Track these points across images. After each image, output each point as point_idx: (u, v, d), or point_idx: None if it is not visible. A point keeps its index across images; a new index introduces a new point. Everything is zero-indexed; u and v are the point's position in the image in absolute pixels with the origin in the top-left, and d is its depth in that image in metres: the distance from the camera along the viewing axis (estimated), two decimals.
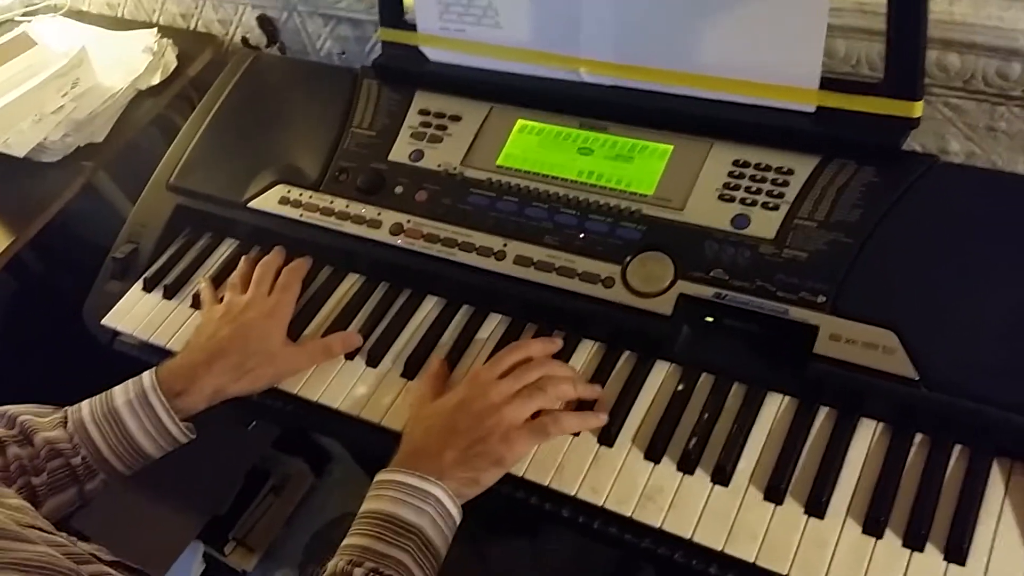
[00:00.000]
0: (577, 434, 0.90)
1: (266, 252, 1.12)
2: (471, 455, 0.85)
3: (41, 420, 0.93)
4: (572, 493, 0.86)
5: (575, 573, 1.88)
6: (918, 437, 0.83)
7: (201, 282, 1.11)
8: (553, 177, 1.03)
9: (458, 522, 0.84)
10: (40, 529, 0.70)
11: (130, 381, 0.96)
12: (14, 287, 1.61)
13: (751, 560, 0.78)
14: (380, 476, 0.85)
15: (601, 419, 0.90)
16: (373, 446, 0.96)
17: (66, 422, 0.94)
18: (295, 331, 1.04)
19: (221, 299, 1.07)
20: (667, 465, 0.86)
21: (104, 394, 0.96)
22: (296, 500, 1.78)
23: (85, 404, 0.95)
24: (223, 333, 1.00)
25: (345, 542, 0.82)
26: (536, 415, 0.90)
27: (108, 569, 0.73)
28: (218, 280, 1.12)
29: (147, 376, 0.96)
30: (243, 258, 1.12)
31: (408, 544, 0.79)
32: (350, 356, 1.02)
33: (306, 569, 1.76)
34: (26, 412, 0.94)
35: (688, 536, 0.81)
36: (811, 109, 0.94)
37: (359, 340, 1.02)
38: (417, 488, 0.82)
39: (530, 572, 1.89)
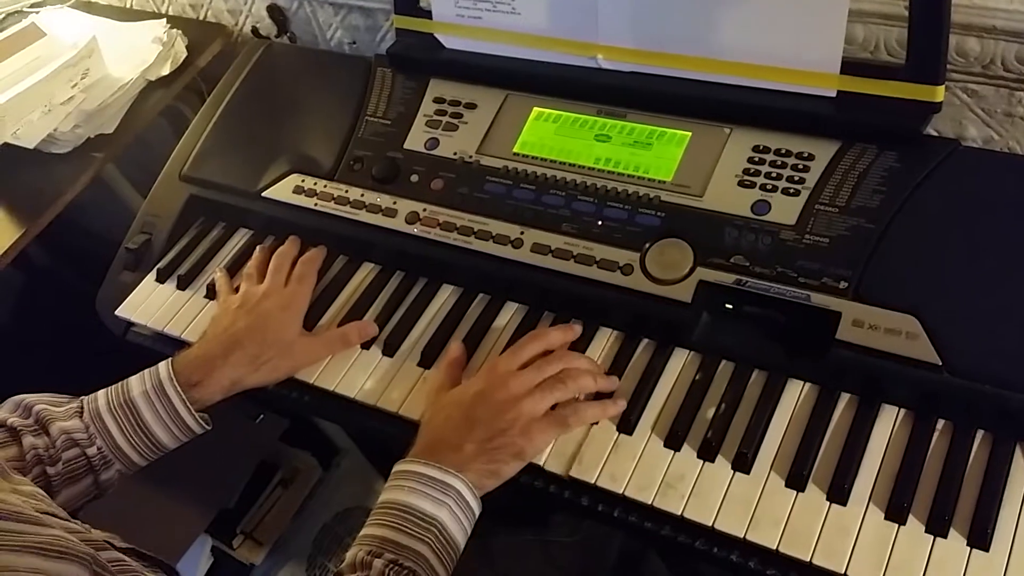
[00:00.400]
0: (596, 422, 0.89)
1: (281, 242, 1.11)
2: (491, 447, 0.84)
3: (57, 410, 0.93)
4: (592, 481, 0.85)
5: (582, 565, 1.87)
6: (940, 423, 0.83)
7: (217, 272, 1.11)
8: (570, 164, 1.02)
9: (477, 515, 0.84)
10: (55, 516, 0.70)
11: (146, 371, 0.96)
12: (25, 279, 1.61)
13: (774, 547, 0.78)
14: (399, 466, 0.85)
15: (619, 406, 0.89)
16: (388, 436, 0.95)
17: (82, 412, 0.93)
18: (311, 321, 1.04)
19: (237, 288, 1.07)
20: (687, 452, 0.85)
21: (120, 384, 0.96)
22: (304, 493, 1.78)
23: (101, 394, 0.95)
24: (240, 324, 0.99)
25: (363, 532, 0.81)
26: (555, 406, 0.89)
27: (123, 556, 0.73)
28: (233, 270, 1.12)
29: (163, 366, 0.95)
30: (258, 248, 1.12)
31: (427, 536, 0.79)
32: (366, 346, 1.01)
33: (314, 562, 1.75)
34: (42, 401, 0.94)
35: (710, 523, 0.80)
36: (832, 94, 0.93)
37: (375, 329, 1.02)
38: (436, 479, 0.82)
39: (537, 564, 1.88)
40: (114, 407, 0.93)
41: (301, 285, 1.04)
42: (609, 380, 0.92)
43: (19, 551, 0.58)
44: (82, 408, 0.94)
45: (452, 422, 0.87)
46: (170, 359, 0.97)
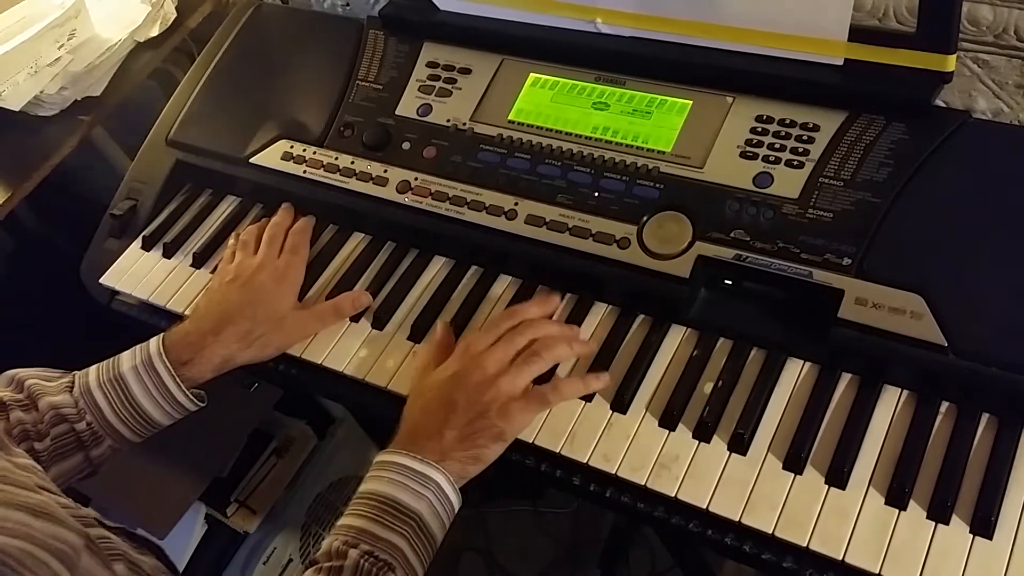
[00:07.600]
0: (590, 399, 0.87)
1: (273, 211, 1.09)
2: (470, 432, 0.83)
3: (48, 384, 0.92)
4: (584, 460, 0.84)
5: (574, 535, 1.87)
6: (944, 405, 0.81)
7: (230, 239, 1.08)
8: (567, 133, 1.00)
9: (457, 508, 0.82)
10: (48, 490, 0.69)
11: (137, 347, 0.94)
12: (10, 244, 1.60)
13: (769, 531, 0.77)
14: (381, 457, 0.83)
15: (602, 380, 0.87)
16: (378, 410, 0.94)
17: (72, 387, 0.92)
18: (300, 291, 1.02)
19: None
20: (683, 432, 0.84)
21: (112, 359, 0.94)
22: (299, 462, 1.77)
23: (93, 369, 0.94)
24: (232, 298, 0.97)
25: (341, 522, 0.80)
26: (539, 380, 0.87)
27: (109, 534, 0.73)
28: (222, 238, 1.10)
29: (154, 342, 0.94)
30: (253, 219, 1.10)
31: (404, 528, 0.78)
32: (355, 318, 0.99)
33: (308, 531, 1.75)
34: (34, 376, 0.92)
35: (704, 506, 0.79)
36: (839, 62, 0.90)
37: (368, 299, 1.00)
38: (417, 472, 0.80)
39: (529, 533, 1.89)
40: (104, 382, 0.92)
41: (295, 256, 1.02)
42: (585, 344, 0.90)
43: (7, 506, 0.58)
44: (73, 383, 0.92)
45: (430, 408, 0.85)
46: (161, 335, 0.95)
